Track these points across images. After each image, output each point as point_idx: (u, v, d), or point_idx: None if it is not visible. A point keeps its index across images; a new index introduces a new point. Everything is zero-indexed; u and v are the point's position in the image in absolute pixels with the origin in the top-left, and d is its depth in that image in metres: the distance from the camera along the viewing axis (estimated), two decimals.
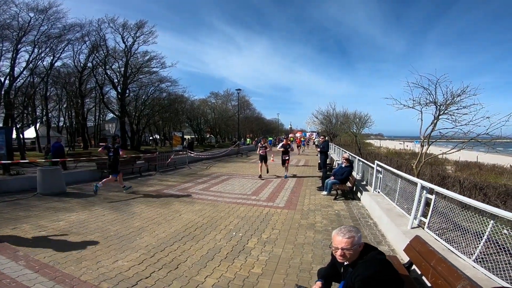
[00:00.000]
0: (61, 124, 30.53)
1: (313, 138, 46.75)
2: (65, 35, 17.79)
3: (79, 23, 19.38)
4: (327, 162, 11.82)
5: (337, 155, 15.84)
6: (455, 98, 5.81)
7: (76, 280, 2.93)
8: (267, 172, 10.94)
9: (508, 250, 2.21)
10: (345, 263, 1.98)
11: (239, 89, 32.13)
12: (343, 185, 7.20)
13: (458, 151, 5.89)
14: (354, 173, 8.66)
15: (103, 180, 7.27)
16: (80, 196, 7.10)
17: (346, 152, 10.49)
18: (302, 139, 34.12)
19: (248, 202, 6.61)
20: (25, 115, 19.31)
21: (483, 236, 2.50)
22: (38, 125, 22.31)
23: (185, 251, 3.81)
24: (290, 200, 6.89)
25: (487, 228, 2.41)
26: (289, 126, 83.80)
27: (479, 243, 2.53)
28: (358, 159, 9.29)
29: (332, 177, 7.50)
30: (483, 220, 2.50)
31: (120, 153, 7.57)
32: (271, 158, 16.03)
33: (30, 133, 23.43)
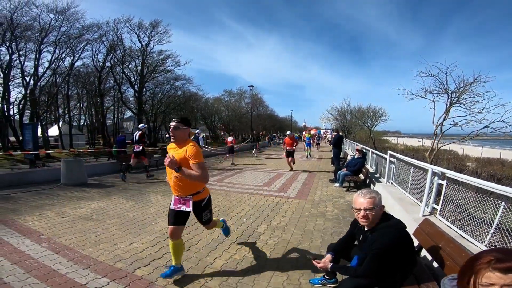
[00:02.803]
0: (82, 122, 31.84)
1: (328, 135, 42.31)
2: (84, 35, 18.53)
3: (96, 23, 20.02)
4: (341, 156, 11.71)
5: (351, 150, 15.60)
6: (467, 86, 5.66)
7: (93, 260, 3.10)
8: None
9: None
10: (366, 229, 2.01)
11: (252, 86, 32.09)
12: (355, 176, 7.13)
13: (471, 138, 5.72)
14: (367, 166, 8.54)
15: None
16: (100, 186, 7.45)
17: (358, 145, 10.36)
18: (306, 135, 19.54)
19: (260, 192, 6.69)
20: (48, 113, 20.34)
21: (495, 220, 2.44)
22: (61, 123, 23.42)
23: (197, 235, 3.94)
24: (302, 191, 6.91)
25: (498, 211, 2.35)
26: (303, 124, 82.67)
27: (491, 228, 2.47)
28: (372, 151, 9.15)
29: (344, 169, 7.44)
30: (495, 202, 2.44)
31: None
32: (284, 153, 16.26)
33: (53, 131, 24.61)
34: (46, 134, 17.60)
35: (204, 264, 3.04)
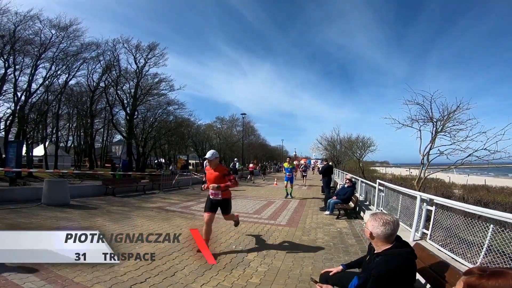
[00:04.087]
0: (69, 144, 31.05)
1: (318, 165, 41.80)
2: (81, 53, 18.36)
3: (95, 42, 19.89)
4: (331, 185, 11.75)
5: (341, 179, 15.70)
6: (451, 114, 5.97)
7: (69, 281, 2.90)
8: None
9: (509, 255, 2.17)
10: (375, 251, 1.97)
11: (244, 114, 32.71)
12: (345, 204, 7.11)
13: (456, 167, 5.91)
14: (357, 194, 8.57)
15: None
16: (82, 208, 7.14)
17: (348, 174, 10.47)
18: (286, 165, 11.27)
19: (250, 220, 6.53)
20: (36, 132, 19.77)
21: (485, 242, 2.46)
22: (47, 143, 22.78)
23: (183, 260, 3.76)
24: (292, 218, 6.79)
25: (487, 233, 2.38)
26: (294, 153, 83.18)
27: (482, 250, 2.48)
28: (361, 181, 9.25)
29: (334, 197, 7.43)
30: (484, 225, 2.48)
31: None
32: (274, 182, 16.66)
33: (38, 151, 23.85)
34: (30, 154, 16.98)
35: None
